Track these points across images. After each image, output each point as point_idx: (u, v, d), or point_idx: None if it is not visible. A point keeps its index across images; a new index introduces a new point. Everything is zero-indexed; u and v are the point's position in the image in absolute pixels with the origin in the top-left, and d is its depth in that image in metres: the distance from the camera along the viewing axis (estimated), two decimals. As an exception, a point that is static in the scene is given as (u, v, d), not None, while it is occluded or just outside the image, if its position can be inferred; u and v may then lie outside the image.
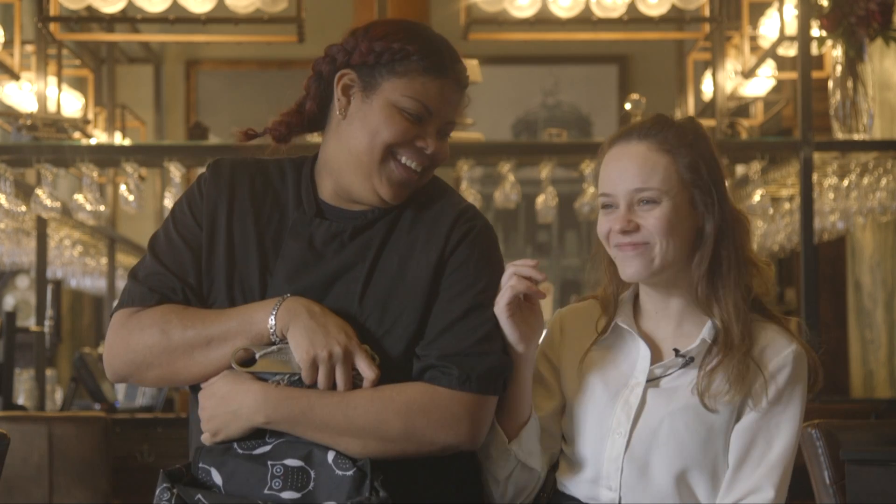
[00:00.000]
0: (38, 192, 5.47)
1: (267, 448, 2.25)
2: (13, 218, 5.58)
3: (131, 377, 2.39)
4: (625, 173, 2.29)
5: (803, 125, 5.41)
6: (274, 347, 2.27)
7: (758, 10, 6.53)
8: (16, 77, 6.14)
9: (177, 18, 5.87)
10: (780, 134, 7.35)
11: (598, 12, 6.03)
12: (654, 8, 6.04)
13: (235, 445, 2.28)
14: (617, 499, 2.26)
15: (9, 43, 6.05)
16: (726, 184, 2.35)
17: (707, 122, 7.18)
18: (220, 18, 5.90)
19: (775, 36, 6.05)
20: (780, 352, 2.29)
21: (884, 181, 5.63)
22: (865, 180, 5.66)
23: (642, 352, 2.32)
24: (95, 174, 5.56)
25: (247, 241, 2.42)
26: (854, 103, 5.48)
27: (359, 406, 2.23)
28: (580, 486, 2.31)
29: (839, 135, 5.52)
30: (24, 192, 5.72)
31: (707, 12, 6.26)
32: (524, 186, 5.70)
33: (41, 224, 5.81)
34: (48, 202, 5.47)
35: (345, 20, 8.46)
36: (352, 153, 2.45)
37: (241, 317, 2.29)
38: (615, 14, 6.04)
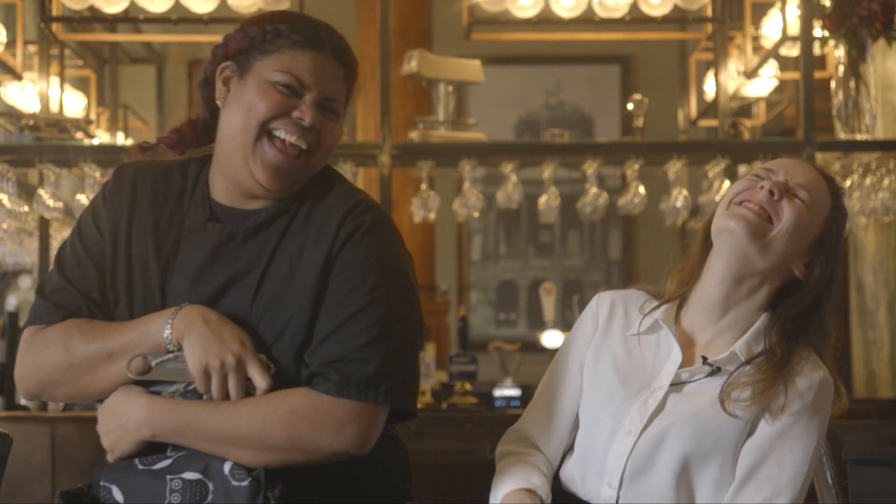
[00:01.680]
0: (41, 192, 5.48)
1: (167, 462, 2.23)
2: (15, 218, 5.58)
3: (42, 395, 2.38)
4: (797, 168, 2.34)
5: (806, 125, 5.41)
6: (170, 356, 2.24)
7: (760, 11, 6.52)
8: (18, 77, 6.15)
9: (179, 18, 5.87)
10: (783, 134, 7.34)
11: (601, 12, 6.03)
12: (657, 8, 6.04)
13: (136, 461, 2.25)
14: (615, 497, 2.25)
15: (11, 43, 6.05)
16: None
17: (709, 123, 7.19)
18: (222, 18, 5.90)
19: (778, 36, 6.05)
20: (807, 375, 2.27)
21: (886, 181, 5.63)
22: (868, 180, 5.66)
23: (674, 355, 2.33)
24: (98, 174, 5.56)
25: (146, 251, 2.36)
26: (856, 103, 5.48)
27: (243, 416, 2.20)
28: (584, 476, 2.31)
29: (841, 135, 5.52)
30: (26, 192, 5.72)
31: (709, 12, 6.26)
32: (526, 187, 5.69)
33: (43, 224, 5.81)
34: (50, 202, 5.47)
35: (347, 20, 8.46)
36: (231, 138, 2.34)
37: (139, 329, 2.27)
38: (617, 14, 6.03)
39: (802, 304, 2.32)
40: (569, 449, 2.39)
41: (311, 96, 2.33)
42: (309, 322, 2.25)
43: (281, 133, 2.30)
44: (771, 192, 2.30)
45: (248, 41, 2.35)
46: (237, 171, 2.34)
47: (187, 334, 2.22)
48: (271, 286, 2.28)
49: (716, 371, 2.28)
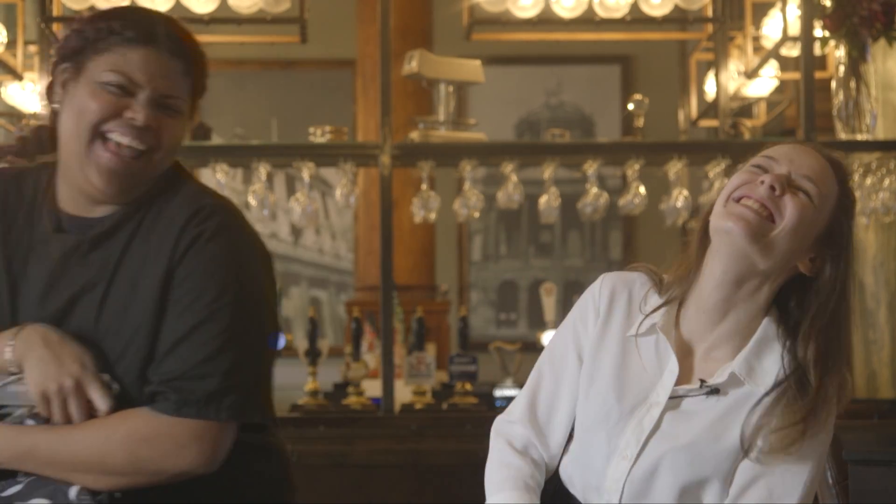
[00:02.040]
0: (41, 192, 5.47)
1: (18, 488, 2.17)
2: (16, 218, 5.58)
3: None
4: (803, 157, 2.24)
5: (806, 125, 5.41)
6: (12, 378, 2.19)
7: (761, 11, 6.52)
8: (18, 77, 6.14)
9: (179, 18, 5.86)
10: (783, 134, 7.34)
11: (601, 12, 6.02)
12: (657, 8, 6.04)
13: None
14: None
15: (11, 43, 6.05)
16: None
17: (710, 123, 7.19)
18: (222, 19, 5.90)
19: (778, 36, 6.05)
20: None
21: (887, 181, 5.62)
22: (868, 181, 5.66)
23: (670, 367, 2.21)
24: (98, 174, 5.55)
25: None
26: (857, 104, 5.48)
27: (82, 440, 2.14)
28: (584, 488, 2.26)
29: (842, 135, 5.52)
30: (27, 192, 5.72)
31: (710, 13, 6.26)
32: (527, 187, 5.69)
33: (44, 224, 5.80)
34: (51, 202, 5.46)
35: (348, 21, 8.46)
36: (67, 142, 2.25)
37: None
38: (618, 14, 6.03)
39: (827, 309, 2.18)
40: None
41: (145, 95, 2.22)
42: (151, 337, 2.18)
43: (114, 135, 2.20)
44: (772, 188, 2.17)
45: (82, 41, 2.24)
46: (76, 176, 2.24)
47: (27, 357, 2.14)
48: (116, 300, 2.20)
49: (714, 391, 2.18)
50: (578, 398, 2.27)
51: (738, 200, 2.18)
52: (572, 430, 2.31)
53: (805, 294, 2.21)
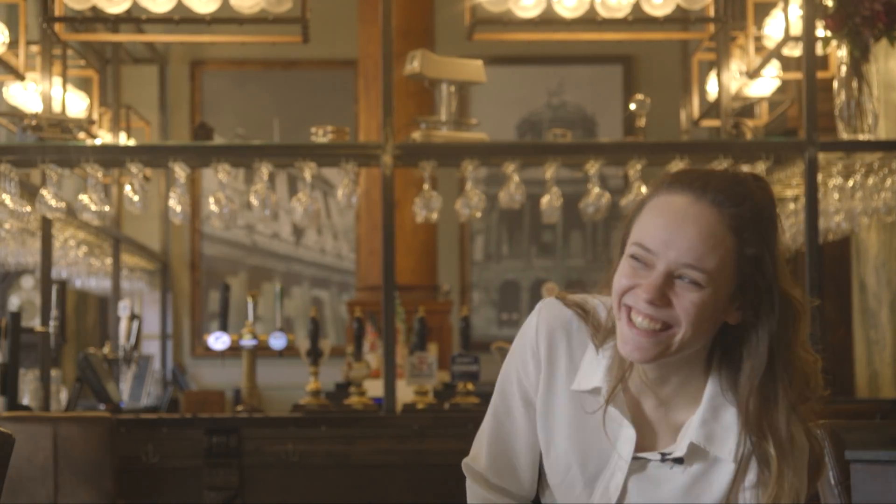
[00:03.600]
0: (43, 192, 5.48)
1: None
2: (18, 218, 5.58)
3: None
4: (681, 238, 1.92)
5: (808, 125, 5.41)
6: None
7: (762, 11, 6.52)
8: (20, 77, 6.14)
9: (181, 19, 5.87)
10: (785, 134, 7.34)
11: (603, 12, 6.02)
12: (659, 8, 6.03)
13: None
14: None
15: (13, 43, 6.05)
16: (786, 270, 2.03)
17: (712, 123, 7.18)
18: (224, 19, 5.90)
19: (780, 36, 6.05)
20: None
21: (888, 181, 5.62)
22: (870, 180, 5.66)
23: (625, 433, 2.03)
24: (100, 174, 5.56)
25: None
26: (859, 103, 5.48)
27: None
28: None
29: (844, 135, 5.52)
30: (28, 192, 5.72)
31: (712, 13, 6.25)
32: (529, 187, 5.69)
33: (46, 224, 5.81)
34: (53, 202, 5.47)
35: (350, 21, 8.46)
36: None
37: None
38: (620, 14, 6.03)
39: (761, 361, 1.97)
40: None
41: None
42: None
43: None
44: (651, 303, 1.93)
45: None
46: None
47: None
48: None
49: (679, 461, 2.02)
50: (541, 451, 2.13)
51: (629, 313, 1.96)
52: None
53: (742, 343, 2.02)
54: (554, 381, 2.09)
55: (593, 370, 2.06)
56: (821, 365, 2.05)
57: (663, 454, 2.02)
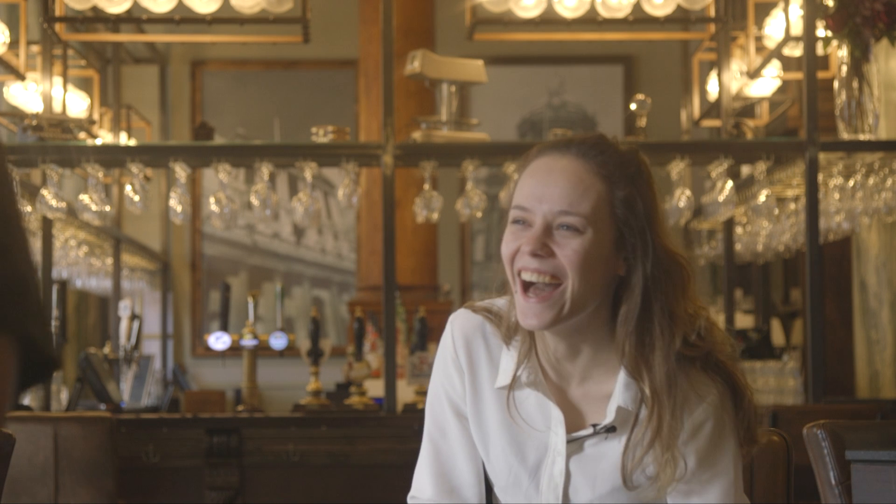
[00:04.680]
0: (44, 192, 5.48)
1: None
2: (19, 218, 5.58)
3: None
4: (552, 189, 1.97)
5: (808, 125, 5.41)
6: None
7: (763, 11, 6.52)
8: (21, 77, 6.15)
9: (182, 19, 5.87)
10: (786, 134, 7.34)
11: (604, 12, 6.02)
12: (660, 8, 6.03)
13: None
14: None
15: (14, 43, 6.05)
16: (667, 227, 2.05)
17: (712, 123, 7.19)
18: (225, 19, 5.90)
19: (781, 36, 6.05)
20: (702, 401, 2.01)
21: (889, 181, 5.63)
22: (871, 180, 5.66)
23: (554, 415, 2.04)
24: (101, 174, 5.56)
25: None
26: (859, 103, 5.48)
27: None
28: None
29: (844, 135, 5.52)
30: (29, 192, 5.73)
31: (712, 13, 6.26)
32: (529, 187, 5.69)
33: (46, 224, 5.81)
34: (53, 202, 5.47)
35: (350, 21, 8.47)
36: None
37: None
38: (620, 14, 6.03)
39: (636, 303, 1.98)
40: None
41: None
42: None
43: None
44: (535, 255, 1.96)
45: None
46: None
47: None
48: None
49: (612, 430, 2.03)
50: (483, 460, 2.12)
51: (520, 273, 1.99)
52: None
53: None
54: (479, 385, 2.10)
55: (510, 365, 2.07)
56: (706, 315, 2.03)
57: (594, 426, 2.03)
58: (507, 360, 2.08)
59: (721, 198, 5.57)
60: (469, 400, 2.10)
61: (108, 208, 5.61)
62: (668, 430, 1.97)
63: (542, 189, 1.98)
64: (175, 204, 5.54)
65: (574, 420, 2.06)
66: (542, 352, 2.07)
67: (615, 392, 2.02)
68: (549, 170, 2.00)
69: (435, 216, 5.56)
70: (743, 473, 2.10)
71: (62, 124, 5.60)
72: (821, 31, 5.54)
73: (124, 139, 7.55)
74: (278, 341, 5.72)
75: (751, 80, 6.62)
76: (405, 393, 5.57)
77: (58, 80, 6.21)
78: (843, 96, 5.50)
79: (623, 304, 2.00)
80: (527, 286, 1.99)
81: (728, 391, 2.03)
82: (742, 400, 2.03)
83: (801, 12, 5.57)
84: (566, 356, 2.05)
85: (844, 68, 5.51)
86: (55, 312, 5.74)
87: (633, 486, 2.00)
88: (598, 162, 1.99)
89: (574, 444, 2.04)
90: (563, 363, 2.06)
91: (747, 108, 7.19)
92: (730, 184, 5.59)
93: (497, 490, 2.12)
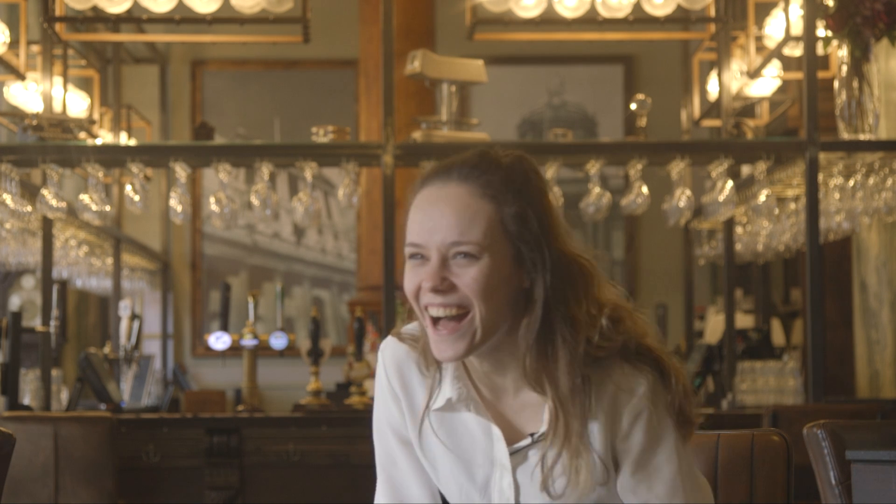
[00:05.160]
0: (44, 192, 5.48)
1: None
2: (19, 218, 5.59)
3: None
4: (440, 222, 1.95)
5: (809, 125, 5.41)
6: None
7: (763, 11, 6.52)
8: (21, 77, 6.15)
9: (182, 19, 5.87)
10: (786, 134, 7.34)
11: (604, 12, 6.02)
12: (660, 8, 6.04)
13: None
14: None
15: (14, 43, 6.05)
16: (564, 231, 2.03)
17: (712, 123, 7.18)
18: (225, 19, 5.90)
19: (781, 36, 6.05)
20: (632, 396, 1.99)
21: (889, 181, 5.62)
22: (871, 180, 5.66)
23: (494, 433, 2.02)
24: (101, 174, 5.56)
25: None
26: (860, 103, 5.48)
27: None
28: None
29: (845, 135, 5.52)
30: (29, 192, 5.73)
31: (713, 12, 6.26)
32: (529, 186, 5.69)
33: (47, 224, 5.82)
34: (54, 202, 5.47)
35: (350, 20, 8.47)
36: None
37: None
38: (621, 14, 6.03)
39: (538, 320, 1.96)
40: None
41: None
42: None
43: None
44: (436, 290, 1.95)
45: None
46: None
47: None
48: None
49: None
50: (434, 481, 2.12)
51: (426, 309, 1.98)
52: None
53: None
54: (417, 410, 2.09)
55: (443, 388, 2.06)
56: (613, 308, 2.01)
57: (532, 435, 2.02)
58: (440, 382, 2.07)
59: (721, 198, 5.57)
60: (410, 426, 2.09)
61: (108, 208, 5.61)
62: (577, 438, 1.96)
63: (431, 222, 1.97)
64: (175, 204, 5.54)
65: (514, 431, 2.04)
66: (472, 370, 2.06)
67: (550, 402, 2.00)
68: (435, 200, 1.98)
69: (435, 216, 5.55)
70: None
71: (62, 124, 5.60)
72: (821, 31, 5.55)
73: (124, 139, 7.55)
74: (278, 341, 5.72)
75: (751, 79, 6.62)
76: (405, 393, 5.56)
77: (58, 80, 6.21)
78: (844, 96, 5.50)
79: (524, 318, 1.97)
80: (435, 320, 1.98)
81: (658, 377, 2.00)
82: (672, 382, 2.00)
83: (802, 12, 5.57)
84: (494, 372, 2.03)
85: (844, 68, 5.51)
86: (55, 312, 5.74)
87: (555, 494, 1.99)
88: (481, 183, 1.97)
89: (518, 456, 2.03)
90: (492, 378, 2.04)
91: (747, 107, 7.19)
92: (730, 184, 5.59)
93: None
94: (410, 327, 2.14)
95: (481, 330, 1.95)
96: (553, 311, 1.96)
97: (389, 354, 2.13)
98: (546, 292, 1.96)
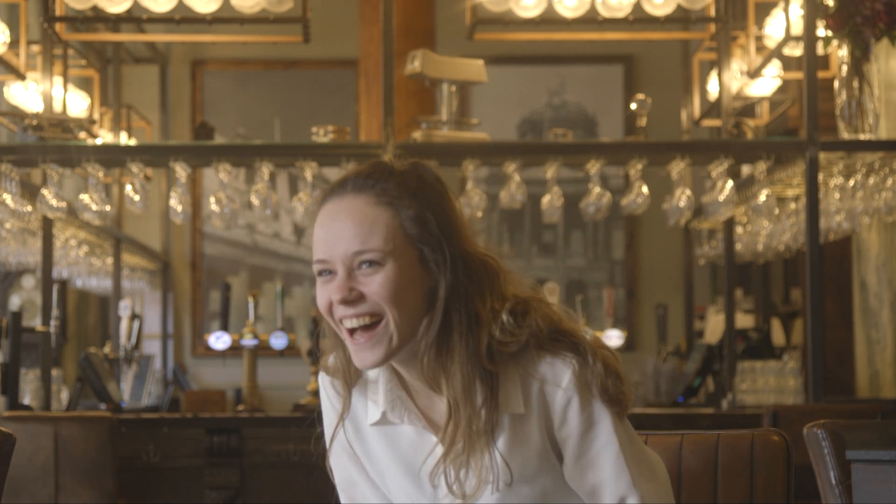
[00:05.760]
0: (44, 192, 5.48)
1: None
2: (19, 218, 5.59)
3: None
4: (341, 234, 1.98)
5: (809, 125, 5.41)
6: None
7: (763, 11, 6.52)
8: (21, 77, 6.15)
9: (182, 18, 5.87)
10: (786, 134, 7.34)
11: (604, 12, 6.02)
12: (660, 8, 6.04)
13: None
14: None
15: (14, 43, 6.05)
16: (466, 230, 2.05)
17: (713, 123, 7.18)
18: (225, 18, 5.90)
19: (781, 36, 6.05)
20: (557, 386, 2.00)
21: (889, 181, 5.62)
22: (871, 180, 5.66)
23: (431, 440, 2.04)
24: (101, 174, 5.56)
25: None
26: (860, 103, 5.48)
27: None
28: None
29: (845, 135, 5.52)
30: (29, 192, 5.73)
31: (713, 12, 6.26)
32: (530, 186, 5.69)
33: (47, 224, 5.82)
34: (54, 202, 5.47)
35: (350, 21, 8.46)
36: None
37: None
38: (621, 14, 6.03)
39: (439, 319, 1.97)
40: None
41: None
42: None
43: None
44: (346, 302, 1.98)
45: None
46: None
47: None
48: None
49: None
50: (386, 494, 2.15)
51: (341, 322, 2.01)
52: None
53: None
54: (360, 429, 2.12)
55: (379, 399, 2.08)
56: (516, 302, 2.02)
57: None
58: (374, 397, 2.10)
59: (721, 197, 5.57)
60: (356, 445, 2.13)
61: (108, 208, 5.61)
62: (476, 436, 1.98)
63: (333, 236, 1.99)
64: (175, 204, 5.54)
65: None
66: (408, 381, 2.07)
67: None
68: (334, 215, 2.01)
69: (435, 216, 5.55)
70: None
71: (62, 124, 5.60)
72: (821, 31, 5.55)
73: (124, 139, 7.55)
74: (278, 341, 5.72)
75: (751, 79, 6.62)
76: (405, 393, 5.56)
77: (58, 80, 6.21)
78: (844, 96, 5.50)
79: (424, 317, 1.98)
80: (352, 331, 2.00)
81: (580, 360, 2.00)
82: (593, 363, 2.01)
83: (802, 12, 5.57)
84: (432, 383, 2.03)
85: (845, 68, 5.51)
86: (55, 312, 5.74)
87: (466, 494, 2.00)
88: (376, 192, 2.00)
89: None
90: (421, 384, 2.05)
91: (747, 107, 7.19)
92: (730, 183, 5.59)
93: None
94: (329, 360, 2.18)
95: (397, 334, 1.97)
96: (452, 309, 1.98)
97: (324, 387, 2.17)
98: (447, 291, 1.98)
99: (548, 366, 2.00)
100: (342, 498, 2.19)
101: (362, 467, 2.15)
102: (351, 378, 2.11)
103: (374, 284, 1.96)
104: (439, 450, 2.02)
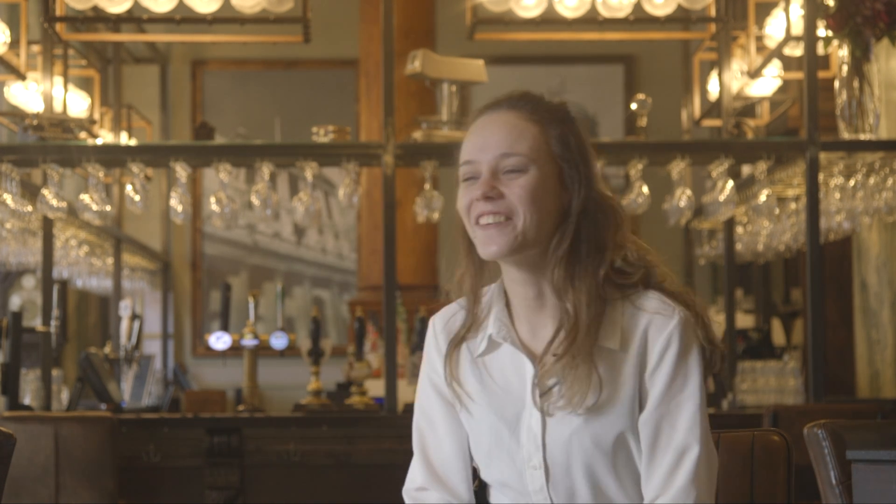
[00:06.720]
0: (44, 192, 5.48)
1: None
2: (19, 218, 5.59)
3: None
4: (491, 139, 2.16)
5: (809, 125, 5.41)
6: None
7: (764, 10, 6.52)
8: (22, 77, 6.15)
9: (183, 18, 5.87)
10: (786, 134, 7.34)
11: (605, 12, 6.02)
12: (661, 8, 6.03)
13: None
14: None
15: (15, 43, 6.05)
16: (597, 168, 2.20)
17: (713, 123, 7.19)
18: (225, 18, 5.90)
19: (781, 36, 6.05)
20: (663, 328, 2.11)
21: (890, 181, 5.62)
22: (871, 180, 5.66)
23: (527, 368, 2.14)
24: (101, 174, 5.56)
25: None
26: (860, 103, 5.48)
27: None
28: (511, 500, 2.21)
29: (845, 135, 5.52)
30: (30, 192, 5.73)
31: (713, 12, 6.26)
32: (530, 186, 5.69)
33: (47, 224, 5.82)
34: (54, 202, 5.47)
35: (351, 21, 8.47)
36: None
37: None
38: (621, 14, 6.03)
39: (571, 234, 2.13)
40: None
41: None
42: None
43: None
44: (487, 198, 2.14)
45: None
46: None
47: None
48: None
49: None
50: (469, 437, 2.23)
51: (477, 221, 2.18)
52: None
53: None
54: (457, 358, 2.23)
55: (486, 326, 2.22)
56: (638, 245, 2.18)
57: (556, 356, 2.12)
58: (484, 329, 2.22)
59: (722, 197, 5.57)
60: (449, 377, 2.23)
61: (108, 208, 5.61)
62: (585, 354, 2.08)
63: (483, 141, 2.17)
64: (175, 204, 5.54)
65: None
66: (515, 308, 2.20)
67: None
68: (486, 125, 2.19)
69: (435, 216, 5.56)
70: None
71: (63, 124, 5.60)
72: (821, 31, 5.55)
73: (125, 139, 7.55)
74: (279, 341, 5.72)
75: (751, 79, 6.62)
76: (406, 393, 5.56)
77: (58, 80, 6.21)
78: (844, 96, 5.50)
79: (557, 232, 2.13)
80: (485, 227, 2.16)
81: (688, 315, 2.13)
82: (697, 322, 2.13)
83: (802, 12, 5.57)
84: (535, 301, 2.17)
85: (845, 68, 5.51)
86: (55, 312, 5.74)
87: (549, 411, 2.10)
88: (528, 109, 2.17)
89: (547, 395, 2.13)
90: (531, 317, 2.18)
91: (748, 107, 7.19)
92: (730, 183, 5.59)
93: (481, 459, 2.21)
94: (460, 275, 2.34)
95: (523, 235, 2.11)
96: (583, 229, 2.13)
97: (439, 317, 2.31)
98: (580, 211, 2.13)
99: (660, 304, 2.13)
100: (414, 434, 2.32)
101: (448, 410, 2.25)
102: (477, 291, 2.25)
103: (515, 186, 2.12)
104: (532, 372, 2.12)
